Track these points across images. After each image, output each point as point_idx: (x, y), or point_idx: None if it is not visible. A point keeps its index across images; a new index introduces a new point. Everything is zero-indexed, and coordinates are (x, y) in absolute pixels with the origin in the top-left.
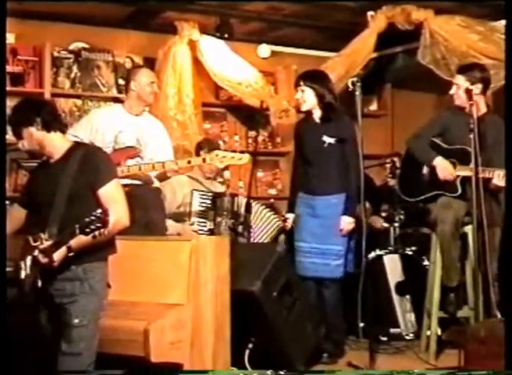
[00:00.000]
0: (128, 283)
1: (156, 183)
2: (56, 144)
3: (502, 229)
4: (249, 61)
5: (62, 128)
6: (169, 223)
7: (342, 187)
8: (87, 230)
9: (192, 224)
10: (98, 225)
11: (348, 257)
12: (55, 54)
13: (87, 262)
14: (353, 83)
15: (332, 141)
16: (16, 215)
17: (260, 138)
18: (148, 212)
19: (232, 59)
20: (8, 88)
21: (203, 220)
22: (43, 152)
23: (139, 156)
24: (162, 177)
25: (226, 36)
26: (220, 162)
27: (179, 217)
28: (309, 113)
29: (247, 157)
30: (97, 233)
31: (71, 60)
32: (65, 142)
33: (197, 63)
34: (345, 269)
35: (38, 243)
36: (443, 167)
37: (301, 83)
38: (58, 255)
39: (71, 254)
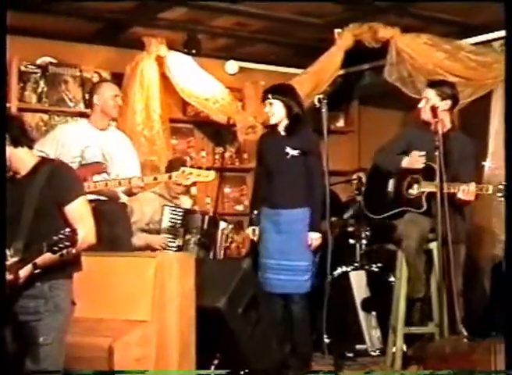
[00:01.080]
0: (93, 299)
1: (123, 199)
2: (23, 159)
3: (466, 245)
4: (216, 77)
5: (30, 143)
6: (138, 235)
7: (306, 201)
8: (55, 248)
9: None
10: (67, 244)
11: (312, 271)
12: (22, 68)
13: (52, 279)
14: (319, 100)
15: (295, 153)
16: None
17: (227, 154)
18: (114, 228)
19: (200, 75)
20: None
21: (172, 236)
22: (10, 168)
23: (105, 172)
24: (129, 193)
25: (194, 52)
26: (186, 178)
27: (147, 233)
28: (274, 126)
29: (212, 174)
30: (65, 251)
31: (38, 75)
32: (32, 158)
33: (164, 79)
34: (312, 284)
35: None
36: (414, 158)
37: (269, 96)
38: (24, 272)
39: (37, 271)
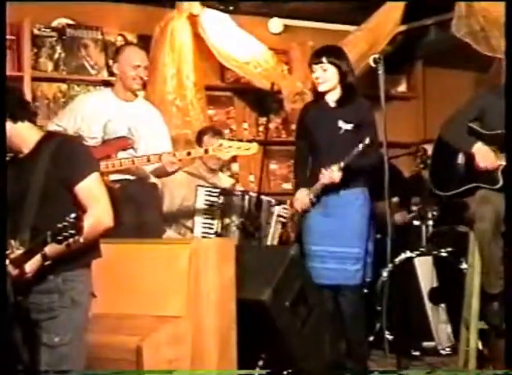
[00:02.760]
0: (117, 293)
1: (152, 179)
2: (25, 136)
3: None
4: (258, 37)
5: (31, 117)
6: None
7: (359, 181)
8: (59, 237)
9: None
10: (72, 232)
11: (367, 261)
12: (36, 32)
13: (66, 270)
14: (375, 60)
15: (348, 127)
16: None
17: (272, 125)
18: (142, 212)
19: (239, 35)
20: None
21: (209, 222)
22: (10, 147)
23: (132, 148)
24: (160, 173)
25: (231, 8)
26: (225, 152)
27: (178, 221)
28: (320, 95)
29: (255, 146)
30: (71, 240)
31: (54, 39)
32: (34, 133)
33: (198, 40)
34: (363, 275)
35: (9, 252)
36: (484, 155)
37: (323, 59)
38: (32, 265)
39: (47, 263)
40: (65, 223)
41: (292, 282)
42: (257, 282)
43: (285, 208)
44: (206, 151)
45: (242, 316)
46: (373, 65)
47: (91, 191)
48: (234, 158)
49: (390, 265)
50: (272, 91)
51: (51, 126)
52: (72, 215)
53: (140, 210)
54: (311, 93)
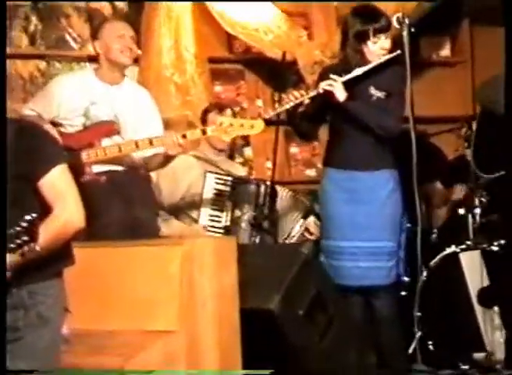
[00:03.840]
0: (97, 305)
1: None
2: None
3: None
4: None
5: None
6: (172, 222)
7: (388, 161)
8: (12, 245)
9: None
10: (24, 239)
11: (400, 256)
12: None
13: (32, 281)
14: (399, 21)
15: (381, 95)
16: None
17: None
18: (133, 208)
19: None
20: None
21: (217, 213)
22: None
23: (118, 134)
24: (154, 163)
25: None
26: (225, 133)
27: (182, 212)
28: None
29: (260, 124)
30: (25, 249)
31: (28, 8)
32: None
33: (199, 5)
34: (398, 273)
35: None
36: None
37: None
38: None
39: (7, 274)
40: (18, 228)
41: (306, 287)
42: (264, 288)
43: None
44: (204, 132)
45: (247, 328)
46: (397, 26)
47: (55, 186)
48: (247, 141)
49: (432, 262)
50: (283, 62)
51: (25, 111)
52: (27, 217)
53: (131, 206)
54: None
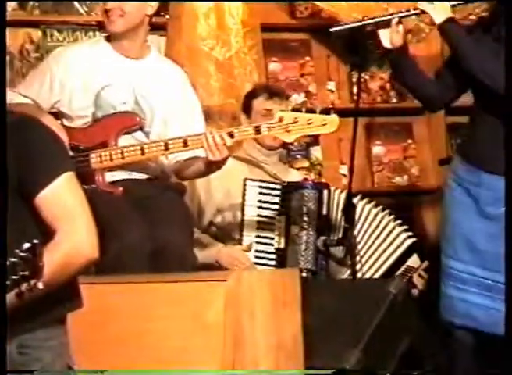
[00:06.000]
0: (112, 360)
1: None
2: None
3: None
4: None
5: None
6: (210, 246)
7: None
8: (7, 282)
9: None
10: (24, 274)
11: None
12: None
13: (25, 331)
14: None
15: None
16: None
17: (374, 85)
18: (159, 229)
19: None
20: None
21: (266, 233)
22: None
23: (140, 129)
24: (189, 171)
25: None
26: (287, 132)
27: (220, 231)
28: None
29: (334, 120)
30: (23, 287)
31: None
32: None
33: None
34: None
35: None
36: None
37: None
38: None
39: None
40: (14, 259)
41: (393, 338)
42: (338, 341)
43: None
44: (257, 131)
45: None
46: None
47: (59, 202)
48: (315, 139)
49: None
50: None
51: (14, 98)
52: (26, 245)
53: (156, 226)
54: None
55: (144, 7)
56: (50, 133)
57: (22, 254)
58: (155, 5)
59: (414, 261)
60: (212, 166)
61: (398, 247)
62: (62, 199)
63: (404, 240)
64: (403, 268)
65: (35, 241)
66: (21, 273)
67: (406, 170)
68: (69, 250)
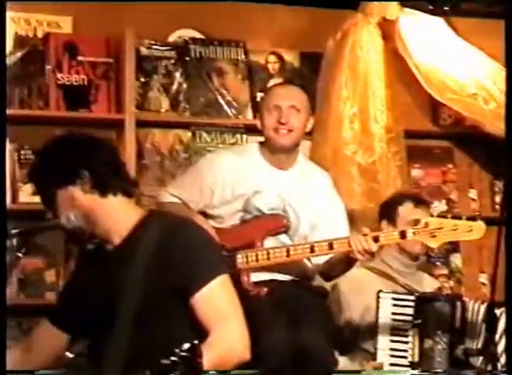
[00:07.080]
0: None
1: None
2: (116, 217)
3: None
4: (490, 52)
5: (128, 188)
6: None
7: None
8: None
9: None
10: (183, 372)
11: None
12: (143, 51)
13: None
14: None
15: None
16: (47, 340)
17: None
18: (300, 330)
19: (460, 51)
20: (58, 113)
21: (399, 346)
22: (93, 231)
23: (284, 232)
24: (334, 270)
25: (447, 9)
26: (433, 237)
27: (354, 344)
28: None
29: (481, 227)
30: None
31: (172, 61)
32: (131, 213)
33: (394, 60)
34: None
35: None
36: None
37: None
38: None
39: None
40: (174, 358)
41: None
42: None
43: None
44: (403, 235)
45: None
46: None
47: (215, 304)
48: (456, 246)
49: None
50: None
51: (165, 197)
52: (185, 345)
53: (297, 326)
54: None
55: (306, 125)
56: (208, 234)
57: (182, 353)
58: (312, 122)
59: None
60: (351, 263)
61: None
62: (217, 300)
63: None
64: None
65: (195, 342)
66: (181, 370)
67: None
68: (223, 352)
